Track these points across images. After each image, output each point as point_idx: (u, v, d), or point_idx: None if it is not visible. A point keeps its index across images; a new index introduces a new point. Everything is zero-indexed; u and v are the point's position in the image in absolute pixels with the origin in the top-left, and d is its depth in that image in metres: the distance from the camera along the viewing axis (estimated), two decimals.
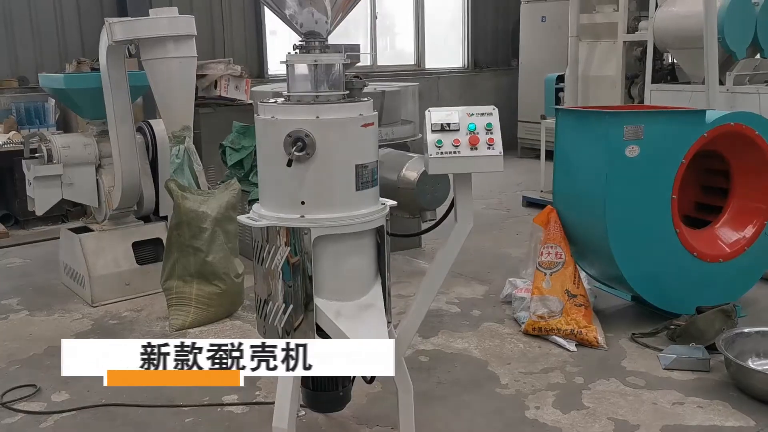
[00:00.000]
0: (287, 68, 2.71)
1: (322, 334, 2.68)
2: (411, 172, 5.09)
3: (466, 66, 10.88)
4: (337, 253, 2.66)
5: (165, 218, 4.87)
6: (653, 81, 6.44)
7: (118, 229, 4.80)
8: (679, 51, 6.17)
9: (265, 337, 2.75)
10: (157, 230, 4.85)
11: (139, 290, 4.75)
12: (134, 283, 4.73)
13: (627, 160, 3.88)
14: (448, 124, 2.78)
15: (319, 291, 2.66)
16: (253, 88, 6.61)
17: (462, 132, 2.76)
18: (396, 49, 10.64)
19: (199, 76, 7.56)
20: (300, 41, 2.72)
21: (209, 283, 4.24)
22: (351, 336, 2.60)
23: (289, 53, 2.70)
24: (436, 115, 2.80)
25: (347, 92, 2.76)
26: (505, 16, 10.93)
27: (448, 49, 10.94)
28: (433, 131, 2.77)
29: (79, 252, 4.62)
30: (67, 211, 6.31)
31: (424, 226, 5.75)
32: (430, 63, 10.47)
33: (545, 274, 4.15)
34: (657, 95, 6.27)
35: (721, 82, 5.59)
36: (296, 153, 2.52)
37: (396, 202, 2.94)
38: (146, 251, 4.83)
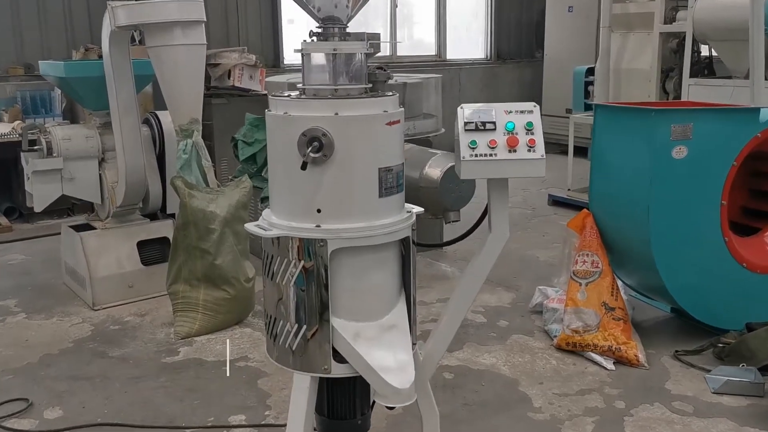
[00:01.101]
0: (302, 58, 2.39)
1: (339, 358, 2.38)
2: (434, 169, 4.78)
3: (488, 57, 10.52)
4: (356, 268, 2.35)
5: (172, 216, 4.59)
6: (690, 75, 6.07)
7: (122, 228, 4.53)
8: (720, 43, 5.80)
9: (275, 360, 2.46)
10: (164, 229, 4.57)
11: (144, 293, 4.47)
12: (138, 285, 4.46)
13: (674, 162, 3.54)
14: (484, 123, 2.45)
15: (336, 310, 2.35)
16: (268, 78, 6.31)
17: (499, 132, 2.44)
18: (415, 39, 10.30)
19: (212, 65, 7.27)
20: (317, 27, 2.40)
21: (217, 288, 3.96)
22: (370, 361, 2.30)
23: (304, 41, 2.38)
24: (470, 111, 2.48)
25: (370, 85, 2.44)
26: (529, 5, 10.55)
27: (469, 39, 10.58)
28: (466, 130, 2.45)
29: (80, 251, 4.35)
30: (73, 205, 6.04)
31: (448, 227, 5.46)
32: (451, 54, 10.12)
33: (580, 284, 3.83)
34: (695, 90, 5.90)
35: (767, 77, 5.21)
36: (312, 154, 2.22)
37: (423, 209, 2.63)
38: (152, 251, 4.55)
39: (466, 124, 2.45)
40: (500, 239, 2.58)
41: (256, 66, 7.25)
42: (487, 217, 2.64)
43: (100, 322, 4.19)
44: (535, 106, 2.51)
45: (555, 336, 3.85)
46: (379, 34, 5.64)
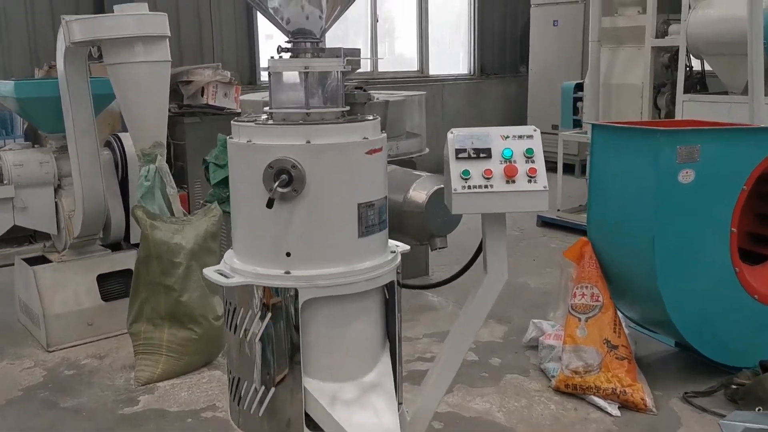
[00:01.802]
0: (270, 77, 2.08)
1: (314, 425, 2.05)
2: (419, 193, 4.47)
3: (472, 72, 10.27)
4: (333, 320, 2.03)
5: (137, 246, 4.22)
6: (684, 91, 5.82)
7: (81, 260, 4.16)
8: (716, 58, 5.56)
9: (239, 427, 2.12)
10: (127, 260, 4.21)
11: (105, 331, 4.11)
12: (99, 322, 4.09)
13: (680, 187, 3.26)
14: (478, 150, 2.15)
15: (310, 369, 2.03)
16: (243, 96, 5.99)
17: (495, 160, 2.14)
18: (396, 54, 10.03)
19: (185, 83, 6.94)
20: (287, 42, 2.09)
21: (183, 327, 3.61)
22: (350, 430, 1.98)
23: (272, 58, 2.07)
24: (462, 137, 2.18)
25: (347, 108, 2.13)
26: (513, 19, 10.33)
27: (452, 54, 10.33)
28: (457, 158, 2.15)
29: (33, 287, 3.98)
30: (34, 231, 5.65)
31: (435, 254, 5.15)
32: (434, 69, 9.86)
33: (579, 319, 3.52)
34: (689, 107, 5.65)
35: (767, 93, 4.97)
36: (279, 190, 1.90)
37: (408, 247, 2.32)
38: (114, 285, 4.19)
39: (457, 151, 2.15)
40: (497, 281, 2.27)
41: (230, 83, 6.92)
42: (482, 255, 2.34)
43: (54, 366, 3.81)
44: (535, 130, 2.22)
45: (553, 376, 3.53)
46: (358, 49, 5.33)
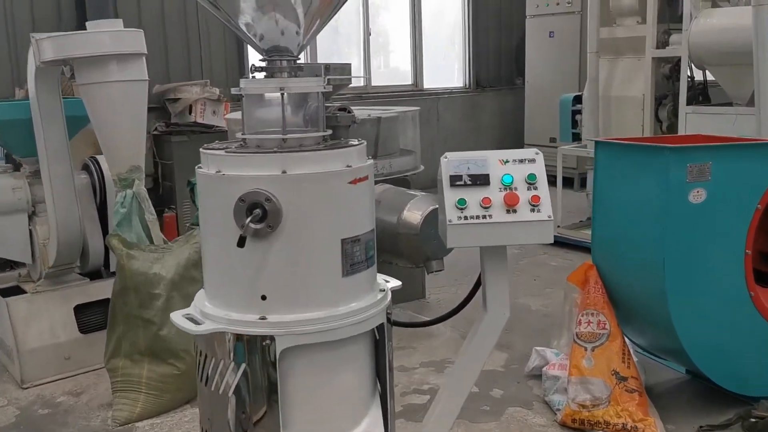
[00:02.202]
0: (242, 100, 1.87)
1: None
2: (413, 213, 4.26)
3: (467, 86, 10.09)
4: (315, 370, 1.82)
5: None
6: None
7: (57, 290, 3.94)
8: (719, 68, 5.38)
9: None
10: (106, 289, 3.96)
11: (83, 365, 3.88)
12: (76, 356, 3.86)
13: (691, 208, 3.05)
14: (475, 177, 1.95)
15: (290, 425, 1.81)
16: (229, 115, 5.78)
17: (494, 187, 1.94)
18: (391, 67, 9.86)
19: (172, 101, 6.75)
20: (261, 60, 1.89)
21: (163, 363, 3.38)
22: None
23: (244, 78, 1.87)
24: (457, 162, 1.98)
25: (329, 132, 1.93)
26: (508, 31, 10.17)
27: (447, 67, 10.16)
28: (452, 186, 1.94)
29: (6, 319, 3.76)
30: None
31: (431, 277, 4.93)
32: (429, 83, 9.68)
33: (585, 348, 3.30)
34: (693, 119, 5.46)
35: None
36: (252, 226, 1.69)
37: (399, 283, 2.11)
38: (92, 316, 3.96)
39: (452, 178, 1.95)
40: (498, 320, 2.06)
41: (219, 100, 6.73)
42: (481, 291, 2.13)
43: (27, 405, 3.58)
44: (537, 154, 2.01)
45: (558, 409, 3.31)
46: (349, 64, 5.15)
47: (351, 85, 7.46)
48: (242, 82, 1.85)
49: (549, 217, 1.92)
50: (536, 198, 1.92)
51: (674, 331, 3.19)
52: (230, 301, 1.80)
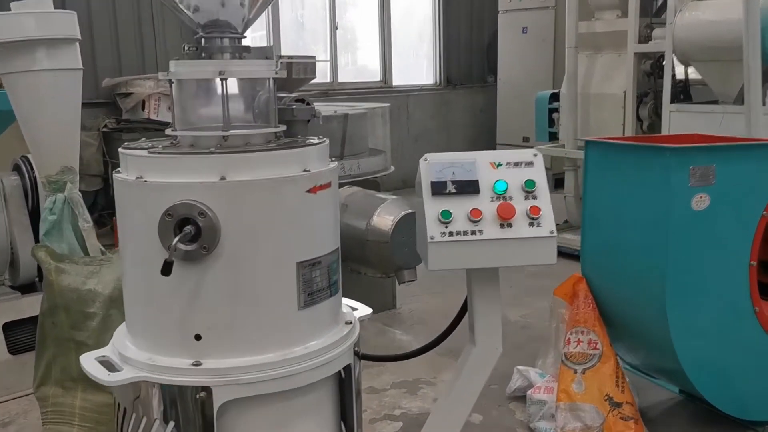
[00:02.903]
0: (171, 87, 1.49)
1: None
2: (384, 218, 3.91)
3: (438, 83, 9.77)
4: (264, 428, 1.45)
5: None
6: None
7: None
8: (705, 64, 5.12)
9: None
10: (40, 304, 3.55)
11: (13, 390, 3.45)
12: (6, 380, 3.43)
13: (693, 215, 2.74)
14: (461, 184, 1.59)
15: None
16: None
17: (485, 196, 1.59)
18: (358, 65, 9.49)
19: (123, 95, 6.31)
20: (197, 38, 1.52)
21: (99, 391, 2.96)
22: None
23: (174, 60, 1.49)
24: (439, 165, 1.62)
25: (283, 128, 1.56)
26: (479, 26, 9.87)
27: (417, 64, 9.83)
28: (434, 194, 1.58)
29: None
30: None
31: (403, 288, 4.59)
32: (398, 80, 9.34)
33: (575, 371, 2.98)
34: (676, 118, 5.19)
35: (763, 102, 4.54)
36: (182, 247, 1.32)
37: (370, 311, 1.75)
38: (24, 334, 3.53)
39: (434, 185, 1.59)
40: (489, 356, 1.71)
41: None
42: (468, 319, 1.78)
43: None
44: (536, 155, 1.67)
45: None
46: (314, 56, 4.79)
47: (316, 81, 7.08)
48: (172, 65, 1.47)
49: (551, 232, 1.58)
50: (536, 209, 1.58)
51: (673, 350, 2.88)
52: (156, 342, 1.42)
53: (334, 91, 8.25)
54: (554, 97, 6.40)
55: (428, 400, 3.47)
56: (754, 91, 4.34)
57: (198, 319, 1.38)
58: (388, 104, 5.16)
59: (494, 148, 9.19)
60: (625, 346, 3.23)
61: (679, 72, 5.80)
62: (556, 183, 7.88)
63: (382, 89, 9.08)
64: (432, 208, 1.57)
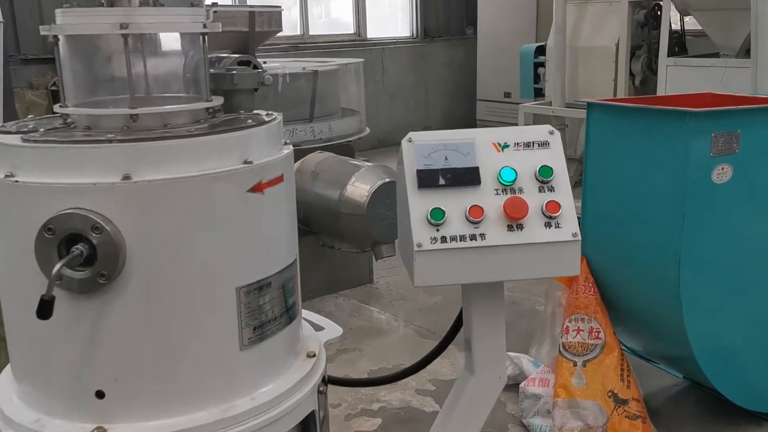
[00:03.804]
0: (56, 48, 1.08)
1: None
2: (358, 188, 3.52)
3: (414, 35, 9.29)
4: None
5: None
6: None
7: None
8: (707, 13, 4.73)
9: None
10: None
11: None
12: None
13: (713, 188, 2.39)
14: (457, 172, 1.21)
15: None
16: None
17: (487, 188, 1.21)
18: (331, 17, 8.96)
19: None
20: None
21: None
22: None
23: (61, 9, 1.07)
24: (427, 147, 1.23)
25: (217, 102, 1.16)
26: None
27: (393, 16, 9.32)
28: (420, 186, 1.20)
29: None
30: None
31: (381, 263, 4.22)
32: (373, 32, 8.84)
33: (575, 363, 2.65)
34: (674, 73, 4.82)
35: None
36: (70, 274, 0.93)
37: (340, 331, 1.38)
38: None
39: (421, 176, 1.20)
40: (491, 387, 1.36)
41: None
42: (463, 341, 1.42)
43: None
44: (552, 133, 1.29)
45: None
46: (279, 6, 4.32)
47: (285, 34, 6.58)
48: (58, 15, 1.06)
49: (575, 235, 1.21)
50: (554, 206, 1.20)
51: (685, 335, 2.54)
52: (48, 399, 1.04)
53: (304, 45, 7.76)
54: (540, 50, 5.98)
55: (410, 391, 3.13)
56: (763, 43, 3.99)
57: (99, 371, 1.00)
58: (362, 59, 4.72)
59: (474, 105, 8.81)
60: (626, 331, 2.90)
61: (674, 22, 5.42)
62: None
63: (356, 42, 8.59)
64: (418, 205, 1.19)
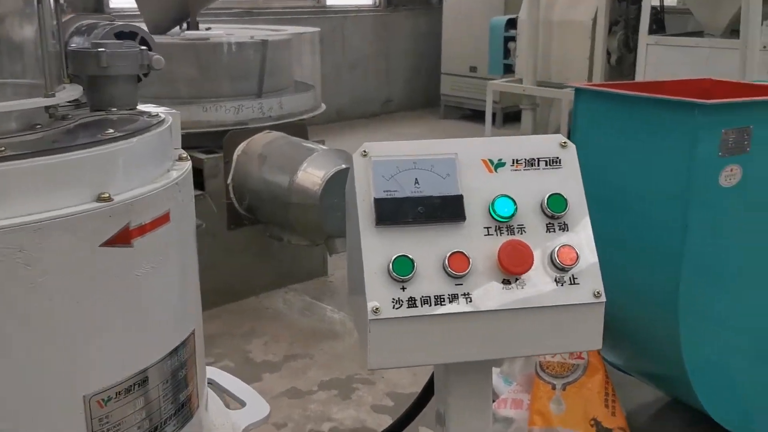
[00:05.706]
0: None
1: None
2: (311, 175, 3.13)
3: (377, 3, 8.86)
4: None
5: None
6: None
7: None
8: None
9: None
10: None
11: None
12: None
13: (721, 192, 2.07)
14: (429, 202, 0.83)
15: None
16: None
17: (473, 228, 0.84)
18: None
19: None
20: None
21: None
22: None
23: None
24: (388, 165, 0.85)
25: (72, 96, 0.76)
26: None
27: None
28: (380, 223, 0.82)
29: None
30: None
31: (335, 258, 3.85)
32: (333, 0, 8.40)
33: (553, 386, 2.34)
34: (655, 52, 4.52)
35: None
36: None
37: (268, 410, 1.02)
38: None
39: (378, 206, 0.82)
40: None
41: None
42: (436, 417, 1.05)
43: None
44: (565, 143, 0.91)
45: None
46: None
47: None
48: None
49: (597, 295, 0.85)
50: (569, 253, 0.84)
51: (679, 351, 2.24)
52: None
53: (258, 11, 7.26)
54: (511, 23, 5.63)
55: (365, 407, 2.78)
56: (753, 22, 3.71)
57: None
58: (317, 29, 4.30)
59: (438, 79, 8.46)
60: (607, 343, 2.59)
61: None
62: (506, 117, 7.23)
63: (315, 10, 8.12)
64: (376, 251, 0.81)
